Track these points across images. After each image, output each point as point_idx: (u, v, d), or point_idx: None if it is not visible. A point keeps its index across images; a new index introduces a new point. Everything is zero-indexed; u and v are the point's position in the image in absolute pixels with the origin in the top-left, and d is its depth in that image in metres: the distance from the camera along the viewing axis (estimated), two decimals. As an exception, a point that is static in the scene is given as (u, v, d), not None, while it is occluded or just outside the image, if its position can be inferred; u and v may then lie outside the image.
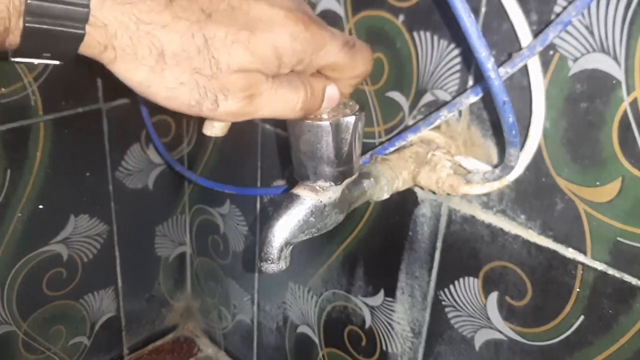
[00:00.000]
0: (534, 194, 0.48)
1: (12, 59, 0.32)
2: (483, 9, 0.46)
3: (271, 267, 0.39)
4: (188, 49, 0.31)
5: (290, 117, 0.38)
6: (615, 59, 0.40)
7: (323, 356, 0.76)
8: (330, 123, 0.38)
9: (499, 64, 0.45)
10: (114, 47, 0.31)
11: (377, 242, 0.64)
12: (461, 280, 0.56)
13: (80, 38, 0.30)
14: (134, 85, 0.33)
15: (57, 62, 0.33)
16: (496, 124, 0.49)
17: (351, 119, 0.38)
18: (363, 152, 0.55)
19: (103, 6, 0.30)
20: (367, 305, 0.67)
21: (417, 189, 0.57)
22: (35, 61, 0.32)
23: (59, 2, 0.29)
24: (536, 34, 0.43)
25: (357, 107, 0.40)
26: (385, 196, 0.49)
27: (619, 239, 0.44)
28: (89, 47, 0.31)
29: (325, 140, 0.38)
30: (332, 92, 0.38)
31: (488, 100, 0.48)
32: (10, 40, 0.30)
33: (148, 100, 0.34)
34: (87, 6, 0.29)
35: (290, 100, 0.36)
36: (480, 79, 0.48)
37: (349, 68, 0.38)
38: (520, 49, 0.43)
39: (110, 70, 0.33)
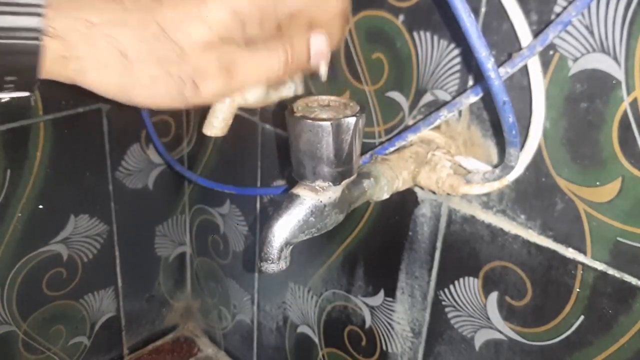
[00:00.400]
0: (534, 194, 0.48)
1: None
2: (483, 9, 0.46)
3: (271, 267, 0.39)
4: (147, 41, 0.30)
5: (279, 81, 0.36)
6: (615, 59, 0.40)
7: (323, 356, 0.76)
8: (331, 123, 0.38)
9: (499, 64, 0.45)
10: (76, 57, 0.30)
11: (377, 242, 0.64)
12: (461, 280, 0.56)
13: (38, 50, 0.29)
14: (110, 95, 0.32)
15: (26, 94, 0.31)
16: (496, 124, 0.49)
17: (352, 120, 0.38)
18: (363, 152, 0.55)
19: (55, 16, 0.29)
20: (367, 305, 0.67)
21: (417, 189, 0.57)
22: (3, 96, 0.31)
23: (9, 12, 0.28)
24: (536, 34, 0.43)
25: (358, 107, 0.40)
26: (385, 196, 0.49)
27: (619, 239, 0.44)
28: (52, 63, 0.30)
29: (325, 141, 0.38)
30: (319, 43, 0.36)
31: (488, 100, 0.48)
32: None
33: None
34: (40, 14, 0.28)
35: (271, 63, 0.34)
36: (480, 79, 0.48)
37: (321, 6, 0.35)
38: (520, 49, 0.43)
39: (83, 85, 0.31)
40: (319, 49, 0.36)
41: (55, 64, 0.30)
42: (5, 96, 0.31)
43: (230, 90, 0.34)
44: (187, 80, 0.32)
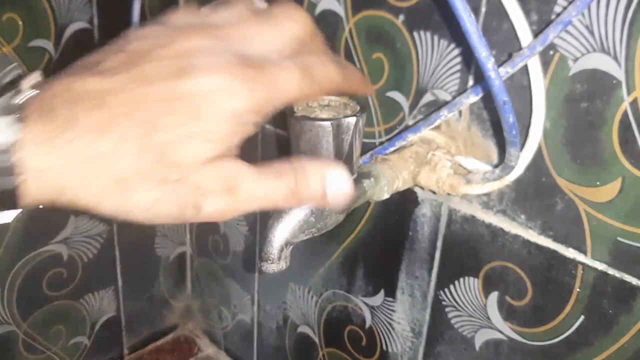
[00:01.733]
0: (534, 194, 0.48)
1: None
2: (483, 9, 0.46)
3: (271, 267, 0.39)
4: (147, 166, 0.29)
5: (284, 207, 0.34)
6: (616, 59, 0.40)
7: (323, 356, 0.76)
8: (332, 123, 0.37)
9: (499, 63, 0.45)
10: (71, 188, 0.29)
11: (377, 242, 0.64)
12: (461, 280, 0.56)
13: (15, 189, 0.27)
14: (111, 216, 0.30)
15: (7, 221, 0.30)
16: (496, 124, 0.49)
17: (352, 120, 0.38)
18: (363, 152, 0.55)
19: (44, 153, 0.27)
20: (367, 305, 0.67)
21: (417, 189, 0.57)
22: None
23: None
24: (536, 34, 0.43)
25: (358, 107, 0.40)
26: (386, 196, 0.49)
27: (619, 239, 0.44)
28: (42, 194, 0.28)
29: (325, 140, 0.38)
30: (337, 181, 0.33)
31: (488, 100, 0.48)
32: None
33: None
34: (10, 151, 0.27)
35: (278, 191, 0.32)
36: (481, 78, 0.48)
37: (316, 94, 0.33)
38: (520, 48, 0.43)
39: (80, 209, 0.30)
40: (339, 190, 0.33)
41: (45, 195, 0.29)
42: None
43: (233, 210, 0.32)
44: (189, 199, 0.30)
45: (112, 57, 0.31)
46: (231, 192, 0.31)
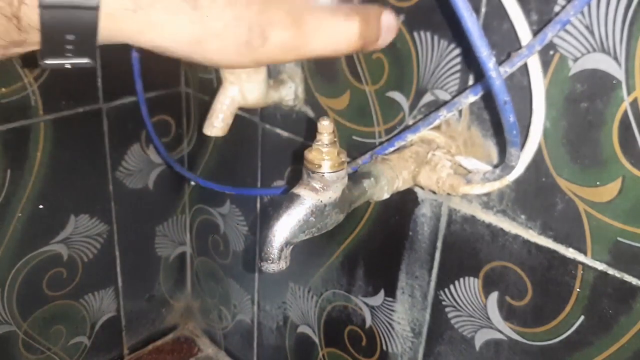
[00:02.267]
0: (534, 194, 0.48)
1: (43, 62, 0.28)
2: (483, 9, 0.46)
3: (271, 267, 0.39)
4: None
5: (347, 52, 0.34)
6: (616, 59, 0.40)
7: (323, 356, 0.76)
8: None
9: (499, 63, 0.45)
10: (142, 8, 0.27)
11: (377, 242, 0.64)
12: (461, 280, 0.56)
13: (97, 3, 0.27)
14: (180, 51, 0.29)
15: (86, 60, 0.29)
16: (496, 124, 0.49)
17: None
18: (363, 152, 0.55)
19: None
20: (367, 305, 0.67)
21: (417, 189, 0.57)
22: (65, 62, 0.29)
23: None
24: (536, 34, 0.43)
25: None
26: (386, 196, 0.49)
27: (619, 239, 0.44)
28: (114, 20, 0.27)
29: None
30: (390, 21, 0.34)
31: (488, 100, 0.48)
32: (24, 25, 0.27)
33: (192, 62, 0.30)
34: None
35: (346, 29, 0.32)
36: (481, 78, 0.48)
37: None
38: (520, 48, 0.43)
39: (149, 46, 0.29)
40: (391, 27, 0.35)
41: (117, 20, 0.28)
42: (67, 62, 0.29)
43: (295, 46, 0.31)
44: (255, 28, 0.30)
45: None
46: (299, 26, 0.31)
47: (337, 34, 0.32)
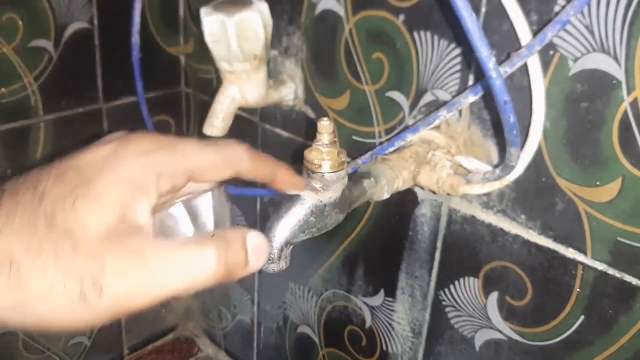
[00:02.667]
0: (534, 194, 0.48)
1: None
2: (483, 9, 0.46)
3: (271, 267, 0.39)
4: (36, 238, 0.26)
5: (210, 283, 0.29)
6: (616, 59, 0.40)
7: (323, 356, 0.76)
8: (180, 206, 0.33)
9: (499, 63, 0.45)
10: None
11: (377, 242, 0.64)
12: (461, 280, 0.56)
13: None
14: (6, 321, 0.26)
15: None
16: (496, 124, 0.49)
17: (207, 197, 0.34)
18: (363, 152, 0.55)
19: None
20: (367, 305, 0.67)
21: (417, 189, 0.57)
22: None
23: None
24: (536, 34, 0.43)
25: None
26: (386, 196, 0.49)
27: (619, 239, 0.44)
28: None
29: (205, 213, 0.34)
30: (257, 242, 0.31)
31: (488, 100, 0.48)
32: None
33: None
34: None
35: (200, 259, 0.28)
36: (480, 78, 0.48)
37: (220, 166, 0.32)
38: (520, 48, 0.43)
39: None
40: (258, 245, 0.31)
41: None
42: None
43: (146, 289, 0.27)
44: (86, 279, 0.26)
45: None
46: (138, 263, 0.27)
47: (191, 266, 0.28)
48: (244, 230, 0.31)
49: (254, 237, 0.31)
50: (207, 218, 0.33)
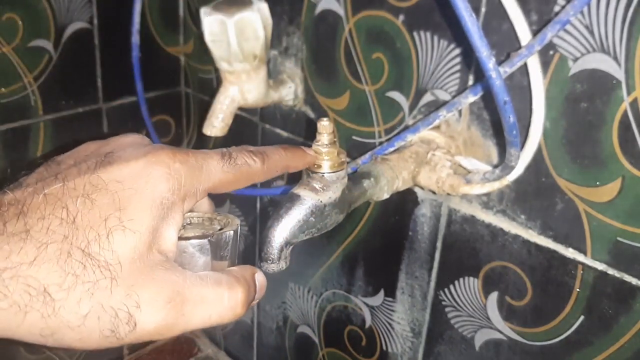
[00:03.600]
0: (534, 194, 0.48)
1: None
2: (483, 9, 0.46)
3: (271, 267, 0.39)
4: (71, 271, 0.26)
5: (230, 321, 0.31)
6: (616, 59, 0.40)
7: (323, 356, 0.76)
8: (209, 240, 0.33)
9: (498, 63, 0.45)
10: None
11: (377, 242, 0.64)
12: (461, 280, 0.56)
13: None
14: (34, 341, 0.27)
15: None
16: (496, 124, 0.49)
17: (230, 233, 0.35)
18: (363, 152, 0.55)
19: None
20: (367, 305, 0.67)
21: (417, 189, 0.57)
22: None
23: None
24: (536, 34, 0.43)
25: (228, 219, 0.36)
26: (386, 196, 0.49)
27: (619, 239, 0.44)
28: None
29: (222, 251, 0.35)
30: (263, 280, 0.34)
31: (488, 100, 0.48)
32: None
33: None
34: None
35: (230, 301, 0.30)
36: (480, 78, 0.48)
37: (239, 181, 0.33)
38: (520, 48, 0.43)
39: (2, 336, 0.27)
40: (263, 283, 0.34)
41: None
42: None
43: (175, 326, 0.28)
44: (121, 314, 0.26)
45: (32, 174, 0.30)
46: (175, 302, 0.28)
47: (222, 307, 0.30)
48: (253, 269, 0.34)
49: (261, 276, 0.34)
50: (226, 252, 0.34)
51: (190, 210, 0.33)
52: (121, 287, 0.27)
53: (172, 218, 0.29)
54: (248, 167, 0.33)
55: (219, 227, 0.36)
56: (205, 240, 0.33)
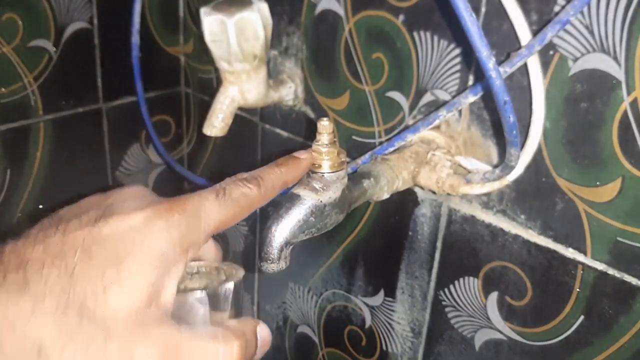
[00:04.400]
0: (534, 194, 0.48)
1: None
2: (483, 9, 0.46)
3: (271, 267, 0.39)
4: (67, 325, 0.26)
5: None
6: (615, 59, 0.40)
7: (323, 356, 0.76)
8: (207, 294, 0.33)
9: (498, 63, 0.45)
10: None
11: (377, 242, 0.64)
12: (461, 280, 0.56)
13: None
14: None
15: None
16: (496, 124, 0.49)
17: (230, 285, 0.34)
18: (363, 152, 0.55)
19: None
20: (367, 305, 0.67)
21: (417, 189, 0.57)
22: None
23: None
24: (536, 34, 0.43)
25: (233, 269, 0.35)
26: (386, 196, 0.49)
27: (619, 239, 0.44)
28: None
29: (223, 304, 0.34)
30: (266, 334, 0.33)
31: (488, 100, 0.48)
32: None
33: None
34: None
35: (225, 355, 0.30)
36: (480, 78, 0.48)
37: (239, 214, 0.33)
38: (520, 48, 0.43)
39: None
40: (266, 337, 0.34)
41: None
42: None
43: None
44: None
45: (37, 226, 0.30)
46: (170, 357, 0.28)
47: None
48: (255, 322, 0.33)
49: (263, 330, 0.33)
50: (226, 304, 0.34)
51: (197, 257, 0.33)
52: (116, 343, 0.26)
53: (172, 271, 0.29)
54: (245, 197, 0.33)
55: (224, 277, 0.35)
56: (204, 293, 0.32)
